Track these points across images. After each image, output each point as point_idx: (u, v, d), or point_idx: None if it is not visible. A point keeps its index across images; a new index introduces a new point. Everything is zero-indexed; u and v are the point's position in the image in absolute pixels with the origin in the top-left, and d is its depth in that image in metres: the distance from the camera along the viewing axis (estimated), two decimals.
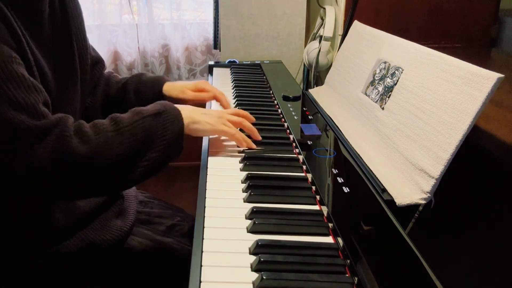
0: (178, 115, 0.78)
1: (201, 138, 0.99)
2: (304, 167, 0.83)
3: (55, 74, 0.79)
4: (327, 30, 1.51)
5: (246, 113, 0.95)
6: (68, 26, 0.84)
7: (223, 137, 0.99)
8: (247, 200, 0.72)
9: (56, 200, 0.77)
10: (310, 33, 1.75)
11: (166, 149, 0.75)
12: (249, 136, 0.91)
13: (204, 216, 0.67)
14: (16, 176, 0.65)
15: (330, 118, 1.04)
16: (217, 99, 1.09)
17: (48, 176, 0.66)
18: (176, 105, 0.81)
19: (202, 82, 1.09)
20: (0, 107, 0.63)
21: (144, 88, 1.04)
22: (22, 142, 0.64)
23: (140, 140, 0.73)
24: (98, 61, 1.03)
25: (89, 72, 0.94)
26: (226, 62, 1.69)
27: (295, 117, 1.08)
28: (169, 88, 1.04)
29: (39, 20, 0.77)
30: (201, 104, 1.06)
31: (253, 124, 0.94)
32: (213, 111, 0.89)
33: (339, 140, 0.93)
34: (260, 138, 0.91)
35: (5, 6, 0.67)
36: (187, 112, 0.81)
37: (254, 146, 0.90)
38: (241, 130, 0.91)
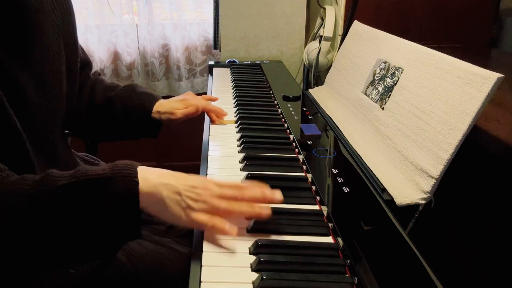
0: (130, 188, 0.57)
1: (201, 137, 0.99)
2: (304, 167, 0.83)
3: (38, 84, 0.73)
4: (327, 30, 1.51)
5: (242, 186, 0.65)
6: (57, 33, 0.78)
7: (223, 137, 0.99)
8: None
9: None
10: (310, 33, 1.75)
11: (101, 233, 0.58)
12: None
13: None
14: None
15: (330, 118, 1.04)
16: (205, 111, 1.05)
17: None
18: (142, 174, 0.59)
19: (188, 98, 1.03)
20: None
21: (132, 107, 0.98)
22: None
23: (57, 218, 0.56)
24: (86, 64, 0.99)
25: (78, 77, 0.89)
26: (226, 62, 1.69)
27: (295, 117, 1.08)
28: (158, 109, 0.99)
29: (27, 38, 0.70)
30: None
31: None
32: (195, 186, 0.61)
33: (339, 140, 0.93)
34: (278, 198, 0.64)
35: None
36: (151, 185, 0.59)
37: (264, 214, 0.62)
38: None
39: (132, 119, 0.99)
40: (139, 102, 0.99)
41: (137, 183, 0.58)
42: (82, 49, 0.98)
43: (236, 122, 1.07)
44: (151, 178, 0.59)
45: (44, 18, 0.75)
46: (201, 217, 0.60)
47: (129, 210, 0.57)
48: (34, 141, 0.72)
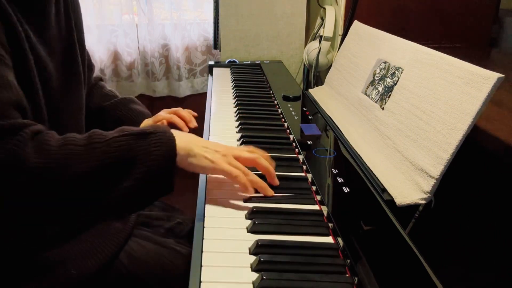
0: (169, 140, 0.67)
1: (201, 137, 0.99)
2: (304, 167, 0.83)
3: (61, 74, 0.80)
4: (327, 30, 1.51)
5: (261, 151, 0.78)
6: (71, 29, 0.86)
7: (223, 137, 0.99)
8: (247, 200, 0.72)
9: (11, 217, 0.63)
10: (310, 33, 1.75)
11: (146, 177, 0.63)
12: (263, 178, 0.75)
13: (204, 216, 0.67)
14: None
15: (330, 118, 1.04)
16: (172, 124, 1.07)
17: None
18: (175, 131, 0.70)
19: (158, 114, 1.07)
20: None
21: (121, 121, 1.03)
22: None
23: (112, 161, 0.62)
24: (91, 67, 1.04)
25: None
26: (226, 62, 1.69)
27: (295, 117, 1.08)
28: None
29: (46, 19, 0.77)
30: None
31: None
32: (220, 145, 0.74)
33: (339, 140, 0.93)
34: (277, 182, 0.75)
35: (7, 1, 0.67)
36: (184, 141, 0.69)
37: (269, 192, 0.73)
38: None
39: None
40: (128, 118, 1.05)
41: (173, 137, 0.67)
42: (87, 52, 1.01)
43: (236, 122, 1.06)
44: (183, 136, 0.71)
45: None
46: (226, 166, 0.70)
47: (168, 158, 0.65)
48: (51, 123, 0.76)
